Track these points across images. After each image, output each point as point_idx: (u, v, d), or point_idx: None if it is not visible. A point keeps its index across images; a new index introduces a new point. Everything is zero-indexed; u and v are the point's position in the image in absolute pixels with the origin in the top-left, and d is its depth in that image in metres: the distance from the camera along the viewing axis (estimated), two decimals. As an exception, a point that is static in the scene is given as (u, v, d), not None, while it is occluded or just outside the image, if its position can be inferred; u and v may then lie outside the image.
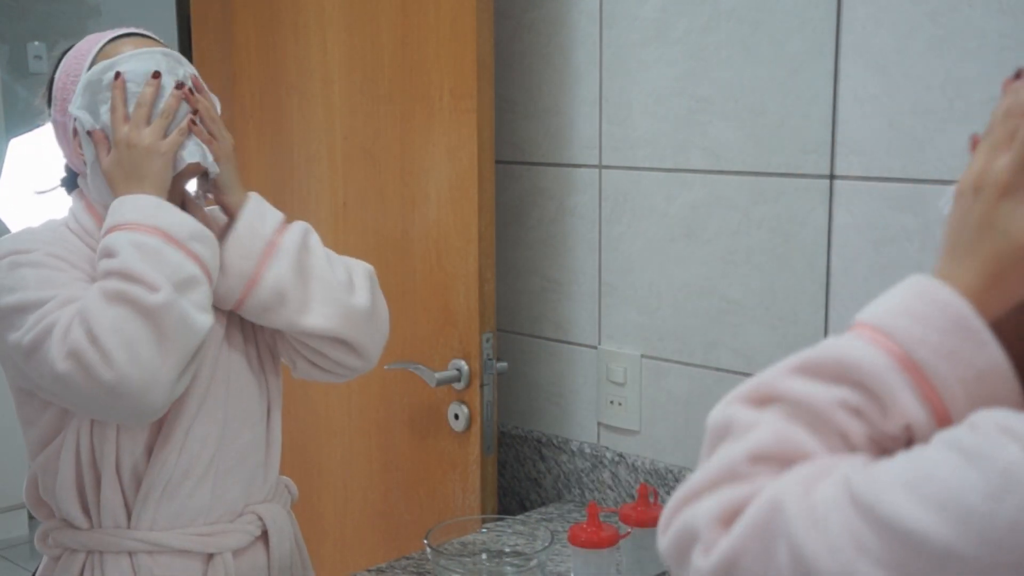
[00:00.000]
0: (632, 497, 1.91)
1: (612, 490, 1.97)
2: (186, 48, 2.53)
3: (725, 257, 1.80)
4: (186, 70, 1.54)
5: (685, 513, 0.77)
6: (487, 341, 1.96)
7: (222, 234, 1.56)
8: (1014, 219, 0.76)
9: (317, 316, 1.54)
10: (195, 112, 1.51)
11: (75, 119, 1.50)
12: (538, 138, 2.06)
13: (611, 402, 1.99)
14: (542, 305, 2.10)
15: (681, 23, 1.82)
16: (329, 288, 1.56)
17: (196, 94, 1.52)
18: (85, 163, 1.52)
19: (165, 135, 1.48)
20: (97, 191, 1.51)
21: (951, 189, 0.83)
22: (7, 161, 2.50)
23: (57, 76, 1.54)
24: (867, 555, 0.68)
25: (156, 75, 1.49)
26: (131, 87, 1.48)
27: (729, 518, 0.75)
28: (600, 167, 1.96)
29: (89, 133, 1.49)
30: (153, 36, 1.58)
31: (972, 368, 0.75)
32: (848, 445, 0.76)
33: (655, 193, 1.89)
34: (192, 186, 1.59)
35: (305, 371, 1.64)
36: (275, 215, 1.58)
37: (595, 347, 2.02)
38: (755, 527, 0.72)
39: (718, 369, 1.83)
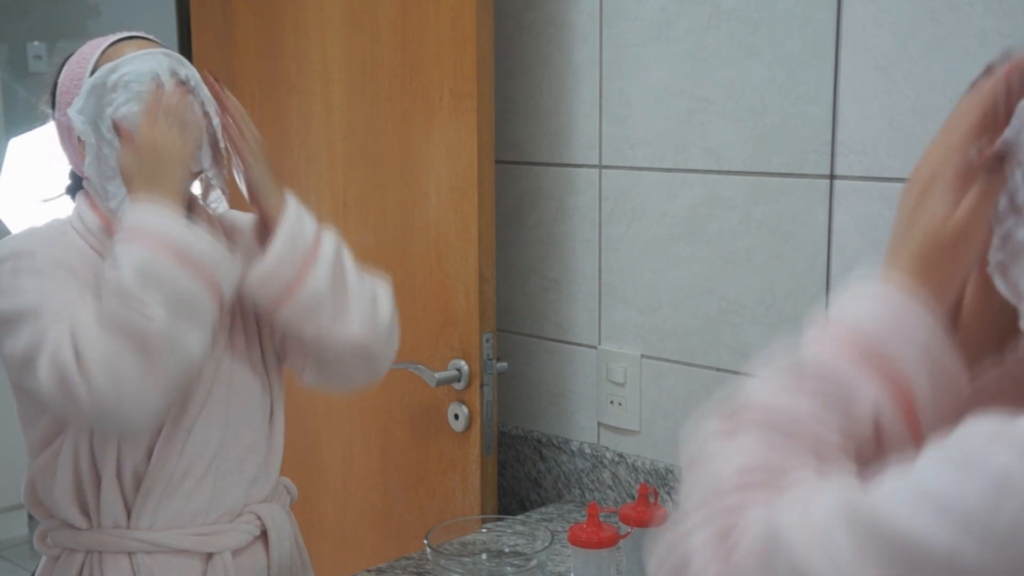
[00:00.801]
0: (632, 497, 1.91)
1: (612, 490, 1.97)
2: (186, 48, 2.53)
3: (725, 257, 1.80)
4: (189, 71, 1.54)
5: (677, 548, 0.76)
6: (487, 341, 1.96)
7: (237, 237, 1.57)
8: (932, 212, 0.79)
9: (348, 327, 1.55)
10: (223, 112, 1.52)
11: (74, 122, 1.50)
12: (538, 138, 2.06)
13: (611, 402, 1.99)
14: (542, 305, 2.10)
15: (681, 23, 1.82)
16: (360, 301, 1.56)
17: (223, 92, 1.53)
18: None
19: (184, 140, 1.48)
20: (100, 178, 1.50)
21: None
22: (7, 161, 2.50)
23: (60, 80, 1.54)
24: (871, 572, 0.67)
25: (182, 84, 1.49)
26: (134, 87, 1.48)
27: (722, 547, 0.74)
28: (600, 167, 1.96)
29: (115, 127, 1.48)
30: (154, 39, 1.58)
31: (916, 343, 0.77)
32: (823, 452, 0.77)
33: (655, 193, 1.89)
34: (196, 188, 1.59)
35: (312, 379, 1.63)
36: (312, 220, 1.58)
37: (595, 347, 2.02)
38: (753, 556, 0.72)
39: (718, 369, 1.83)
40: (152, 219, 1.43)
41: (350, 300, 1.55)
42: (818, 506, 0.72)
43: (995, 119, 0.79)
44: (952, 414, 0.80)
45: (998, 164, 0.78)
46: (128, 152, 1.47)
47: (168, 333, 1.38)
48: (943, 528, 0.66)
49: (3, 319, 1.43)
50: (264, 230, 1.56)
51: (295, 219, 1.54)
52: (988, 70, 0.81)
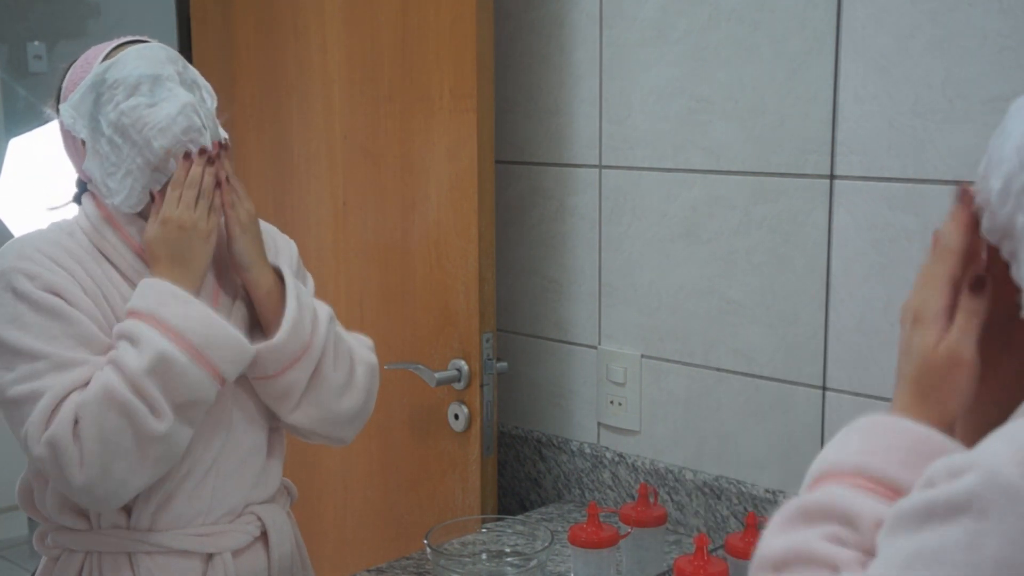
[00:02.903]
0: (632, 497, 1.91)
1: (612, 490, 1.97)
2: (186, 48, 2.53)
3: (725, 257, 1.80)
4: (187, 70, 1.54)
5: None
6: (487, 341, 1.96)
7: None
8: (922, 342, 0.86)
9: (300, 415, 1.58)
10: (218, 182, 1.52)
11: (63, 117, 1.50)
12: (538, 138, 2.06)
13: (611, 402, 1.99)
14: (542, 305, 2.10)
15: (681, 23, 1.82)
16: (324, 392, 1.58)
17: (220, 159, 1.52)
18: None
19: (208, 217, 1.50)
20: (102, 174, 1.50)
21: None
22: (7, 161, 2.50)
23: (65, 85, 1.54)
24: None
25: (202, 152, 1.49)
26: (131, 80, 1.48)
27: None
28: (600, 167, 1.96)
29: (152, 195, 1.49)
30: (156, 43, 1.58)
31: (920, 462, 0.81)
32: (840, 566, 0.80)
33: (655, 193, 1.89)
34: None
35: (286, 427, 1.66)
36: (310, 308, 1.57)
37: (595, 347, 2.02)
38: None
39: (718, 369, 1.83)
40: (176, 308, 1.44)
41: (312, 392, 1.57)
42: None
43: (972, 248, 0.87)
44: None
45: (980, 288, 0.85)
46: (157, 226, 1.48)
47: (169, 434, 1.41)
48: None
49: None
50: (249, 300, 1.57)
51: (297, 315, 1.53)
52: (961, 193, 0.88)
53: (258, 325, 1.59)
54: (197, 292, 1.49)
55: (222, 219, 1.54)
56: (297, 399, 1.57)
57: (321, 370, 1.57)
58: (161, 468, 1.45)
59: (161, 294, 1.45)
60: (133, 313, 1.44)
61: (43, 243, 1.50)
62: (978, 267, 0.87)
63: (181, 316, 1.43)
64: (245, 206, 1.54)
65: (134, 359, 1.40)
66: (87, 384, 1.41)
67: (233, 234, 1.54)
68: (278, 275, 1.57)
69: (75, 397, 1.39)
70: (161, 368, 1.40)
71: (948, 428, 0.85)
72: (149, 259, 1.49)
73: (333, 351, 1.59)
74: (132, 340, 1.42)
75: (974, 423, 0.90)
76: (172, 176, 1.48)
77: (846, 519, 0.81)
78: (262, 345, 1.52)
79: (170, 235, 1.48)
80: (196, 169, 1.49)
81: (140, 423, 1.39)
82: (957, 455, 0.73)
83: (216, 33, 2.41)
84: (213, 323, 1.46)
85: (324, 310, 1.60)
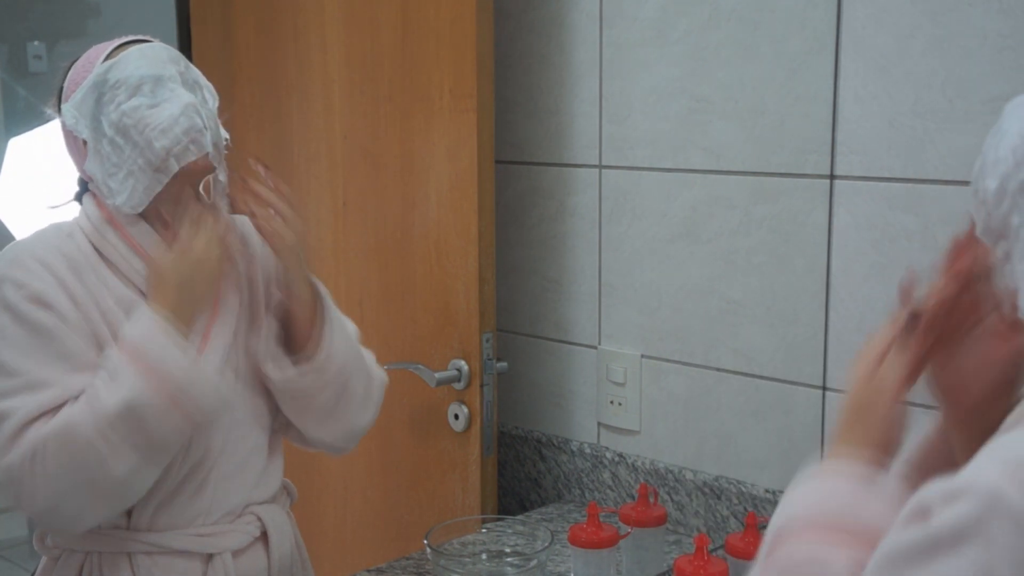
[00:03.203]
0: (632, 497, 1.91)
1: (612, 490, 1.97)
2: (186, 48, 2.53)
3: (725, 257, 1.80)
4: (189, 70, 1.54)
5: None
6: (487, 341, 1.96)
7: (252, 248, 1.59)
8: (850, 375, 0.94)
9: (324, 432, 1.61)
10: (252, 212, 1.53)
11: (65, 117, 1.50)
12: (538, 138, 2.06)
13: (611, 402, 1.99)
14: (542, 305, 2.10)
15: (681, 23, 1.82)
16: (346, 409, 1.60)
17: (245, 193, 1.52)
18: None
19: (218, 256, 1.50)
20: (103, 175, 1.50)
21: None
22: (7, 161, 2.50)
23: (66, 85, 1.54)
24: None
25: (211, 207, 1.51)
26: (132, 81, 1.48)
27: None
28: (600, 167, 1.96)
29: (163, 220, 1.50)
30: (158, 42, 1.58)
31: (874, 502, 0.84)
32: None
33: (655, 193, 1.89)
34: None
35: (284, 433, 1.67)
36: (343, 330, 1.59)
37: (595, 347, 2.02)
38: None
39: (718, 369, 1.83)
40: (163, 350, 1.41)
41: (336, 409, 1.59)
42: None
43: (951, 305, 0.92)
44: None
45: (912, 325, 0.92)
46: (175, 254, 1.47)
47: (126, 479, 1.41)
48: None
49: None
50: (282, 310, 1.58)
51: (332, 339, 1.55)
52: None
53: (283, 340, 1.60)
54: (191, 327, 1.48)
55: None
56: (325, 417, 1.59)
57: (348, 388, 1.59)
58: (120, 505, 1.46)
59: (152, 331, 1.42)
60: (122, 343, 1.42)
61: (39, 248, 1.49)
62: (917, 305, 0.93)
63: (165, 355, 1.41)
64: (286, 233, 1.53)
65: (107, 398, 1.38)
66: (56, 408, 1.40)
67: (277, 251, 1.54)
68: (315, 291, 1.58)
69: (39, 426, 1.38)
70: (133, 414, 1.38)
71: (880, 450, 0.88)
72: (155, 282, 1.47)
73: (359, 369, 1.61)
74: (112, 375, 1.40)
75: (971, 431, 0.90)
76: (189, 209, 1.49)
77: (820, 574, 0.81)
78: (295, 371, 1.54)
79: (179, 260, 1.46)
80: (212, 204, 1.51)
81: (98, 465, 1.38)
82: (950, 479, 0.70)
83: (216, 33, 2.41)
84: (194, 368, 1.44)
85: (351, 328, 1.62)
